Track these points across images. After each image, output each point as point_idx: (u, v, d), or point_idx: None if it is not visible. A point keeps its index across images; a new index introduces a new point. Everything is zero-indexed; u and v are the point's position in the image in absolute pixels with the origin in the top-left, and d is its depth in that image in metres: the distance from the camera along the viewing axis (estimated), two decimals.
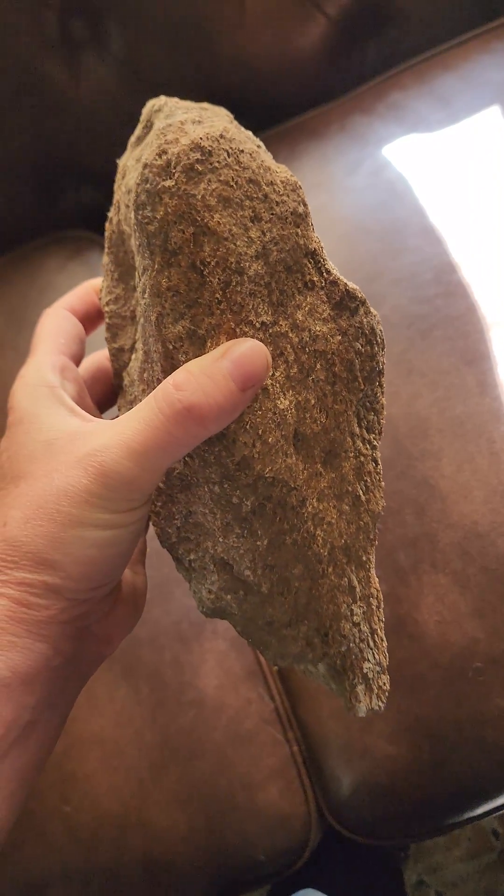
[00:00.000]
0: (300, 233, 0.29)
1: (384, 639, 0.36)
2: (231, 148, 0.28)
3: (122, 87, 0.77)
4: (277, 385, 0.29)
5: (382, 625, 0.36)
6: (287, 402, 0.30)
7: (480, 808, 0.55)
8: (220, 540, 0.31)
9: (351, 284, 0.32)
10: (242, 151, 0.28)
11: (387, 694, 0.35)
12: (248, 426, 0.28)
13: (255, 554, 0.31)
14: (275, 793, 0.58)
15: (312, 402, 0.31)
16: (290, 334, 0.30)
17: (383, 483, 0.35)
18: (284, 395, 0.30)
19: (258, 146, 0.31)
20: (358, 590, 0.34)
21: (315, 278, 0.30)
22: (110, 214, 0.38)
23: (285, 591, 0.32)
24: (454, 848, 0.99)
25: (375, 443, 0.35)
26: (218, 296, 0.27)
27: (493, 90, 0.74)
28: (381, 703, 0.34)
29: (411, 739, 0.55)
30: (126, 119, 0.82)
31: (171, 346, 0.28)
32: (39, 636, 0.28)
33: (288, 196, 0.29)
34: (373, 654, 0.35)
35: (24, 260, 0.81)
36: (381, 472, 0.35)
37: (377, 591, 0.36)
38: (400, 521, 0.59)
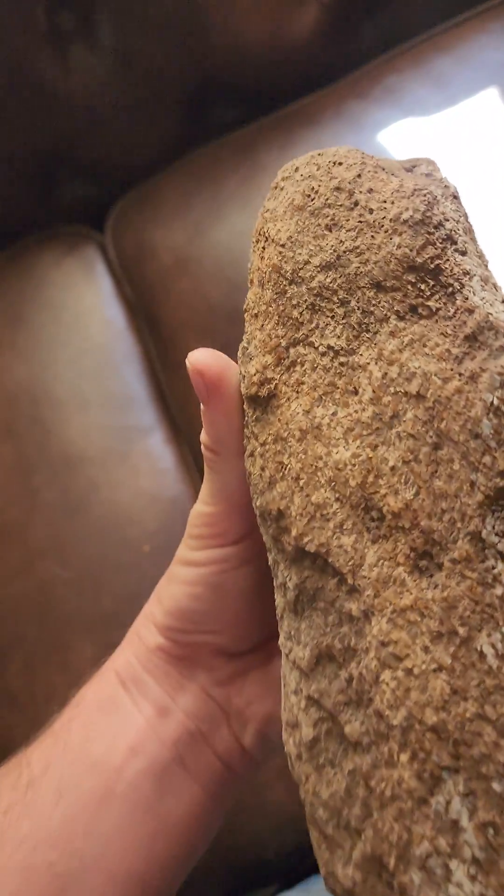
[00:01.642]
0: (405, 241, 0.24)
1: None
2: (323, 162, 0.25)
3: (114, 78, 0.76)
4: (338, 428, 0.23)
5: None
6: (350, 454, 0.23)
7: None
8: (279, 641, 0.25)
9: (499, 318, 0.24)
10: (339, 164, 0.25)
11: None
12: (286, 470, 0.23)
13: (301, 672, 0.23)
14: (283, 791, 0.58)
15: (392, 464, 0.22)
16: (372, 366, 0.23)
17: None
18: (347, 443, 0.23)
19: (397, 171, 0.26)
20: (465, 828, 0.20)
21: (431, 303, 0.23)
22: None
23: (331, 762, 0.22)
24: None
25: None
26: (271, 308, 0.24)
27: (490, 71, 0.73)
28: None
29: None
30: (119, 110, 0.81)
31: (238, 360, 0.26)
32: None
33: (396, 202, 0.24)
34: None
35: (19, 256, 0.80)
36: None
37: None
38: None
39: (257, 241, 0.26)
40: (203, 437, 0.27)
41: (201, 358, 0.25)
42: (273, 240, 0.25)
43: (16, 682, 0.62)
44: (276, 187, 0.26)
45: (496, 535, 0.22)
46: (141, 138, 0.81)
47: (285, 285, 0.24)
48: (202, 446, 0.27)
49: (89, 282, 0.78)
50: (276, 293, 0.24)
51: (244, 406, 0.25)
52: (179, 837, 0.29)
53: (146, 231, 0.78)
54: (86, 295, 0.77)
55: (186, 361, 0.25)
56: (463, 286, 0.24)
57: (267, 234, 0.25)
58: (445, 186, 0.26)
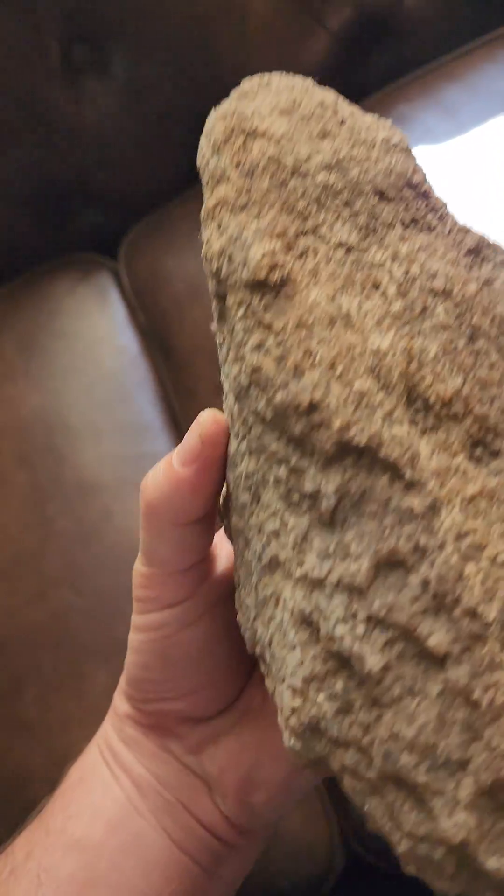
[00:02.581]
0: (399, 160, 0.24)
1: None
2: (297, 81, 0.24)
3: (126, 111, 0.77)
4: (369, 318, 0.21)
5: None
6: (388, 343, 0.21)
7: None
8: (298, 574, 0.21)
9: (493, 238, 0.24)
10: (315, 86, 0.24)
11: None
12: (316, 358, 0.20)
13: (353, 592, 0.19)
14: (298, 819, 0.57)
15: (434, 353, 0.21)
16: (390, 264, 0.22)
17: None
18: (382, 331, 0.21)
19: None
20: None
21: (429, 219, 0.24)
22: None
23: (410, 691, 0.19)
24: None
25: None
26: (271, 196, 0.22)
27: (499, 100, 0.73)
28: None
29: None
30: (131, 141, 0.82)
31: (214, 266, 0.23)
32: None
33: (379, 128, 0.24)
34: None
35: (32, 285, 0.81)
36: None
37: None
38: None
39: (228, 140, 0.23)
40: (151, 493, 0.25)
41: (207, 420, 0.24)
42: (263, 133, 0.23)
43: (31, 711, 0.62)
44: (243, 95, 0.25)
45: None
46: (153, 168, 0.82)
47: (286, 177, 0.23)
48: (142, 504, 0.25)
49: (103, 310, 0.78)
50: (276, 184, 0.22)
51: (238, 296, 0.22)
52: None
53: (159, 259, 0.78)
54: (99, 323, 0.77)
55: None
56: (448, 213, 0.24)
57: (252, 129, 0.23)
58: None
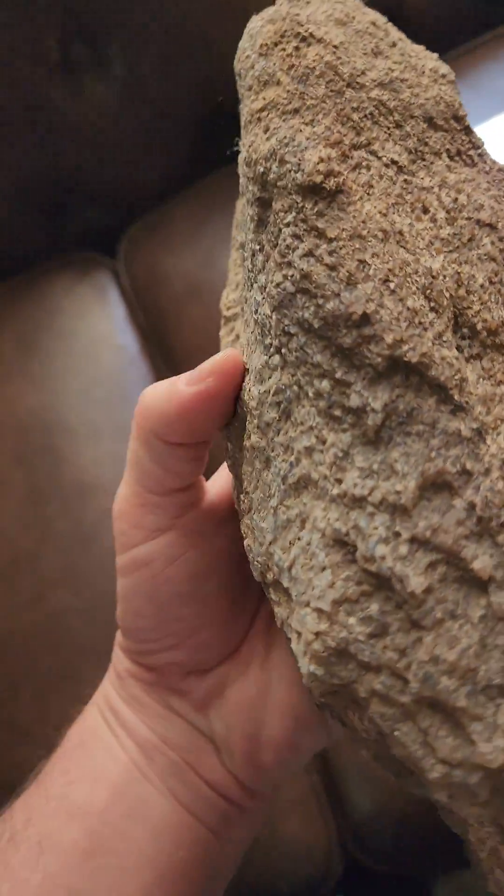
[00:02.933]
0: (447, 91, 0.24)
1: None
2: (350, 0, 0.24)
3: (126, 108, 0.77)
4: (420, 239, 0.21)
5: None
6: (438, 265, 0.21)
7: None
8: (335, 493, 0.20)
9: None
10: (367, 7, 0.24)
11: None
12: (370, 271, 0.20)
13: (397, 512, 0.19)
14: (296, 823, 0.57)
15: (481, 282, 0.21)
16: (438, 191, 0.22)
17: None
18: (432, 254, 0.21)
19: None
20: None
21: (473, 155, 0.24)
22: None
23: (452, 614, 0.19)
24: None
25: None
26: (327, 103, 0.21)
27: (501, 98, 0.73)
28: None
29: None
30: (130, 139, 0.82)
31: (259, 168, 0.22)
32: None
33: (428, 57, 0.24)
34: None
35: (31, 283, 0.80)
36: None
37: None
38: None
39: (278, 43, 0.23)
40: (147, 403, 0.24)
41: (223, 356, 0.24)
42: (321, 39, 0.22)
43: (28, 713, 0.61)
44: (294, 2, 0.24)
45: None
46: (152, 166, 0.82)
47: (343, 86, 0.22)
48: (136, 413, 0.25)
49: (102, 309, 0.78)
50: (332, 91, 0.22)
51: (288, 200, 0.21)
52: (183, 885, 0.26)
53: (158, 258, 0.78)
54: (98, 322, 0.77)
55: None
56: (486, 153, 0.24)
57: (309, 34, 0.23)
58: None
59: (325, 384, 0.20)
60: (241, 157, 0.24)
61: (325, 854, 0.57)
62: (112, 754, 0.27)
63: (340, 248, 0.20)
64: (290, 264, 0.21)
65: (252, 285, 0.23)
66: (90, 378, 0.73)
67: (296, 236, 0.21)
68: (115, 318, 0.77)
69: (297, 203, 0.21)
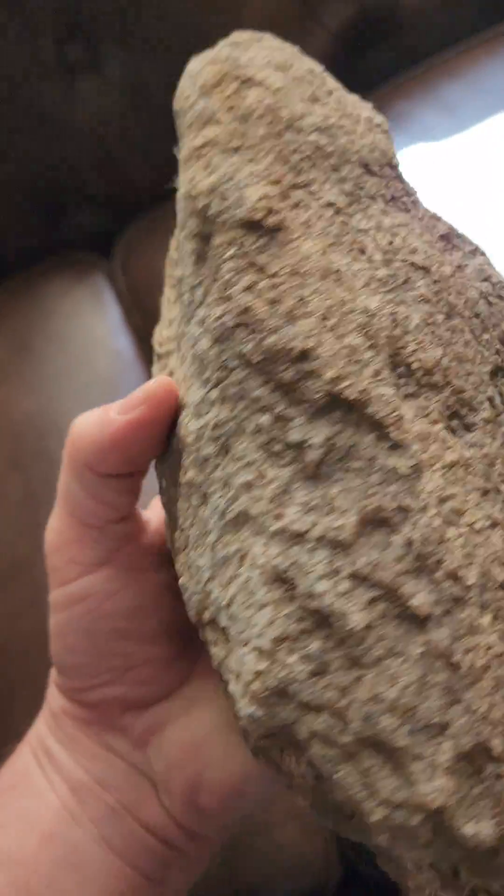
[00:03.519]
0: (381, 139, 0.24)
1: None
2: (287, 46, 0.25)
3: (121, 109, 0.76)
4: (357, 279, 0.21)
5: None
6: (375, 305, 0.21)
7: None
8: (275, 528, 0.19)
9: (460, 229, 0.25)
10: (304, 55, 0.25)
11: None
12: (308, 307, 0.20)
13: (337, 548, 0.19)
14: (294, 832, 0.57)
15: (416, 322, 0.21)
16: (374, 233, 0.23)
17: None
18: (369, 294, 0.21)
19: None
20: None
21: (406, 202, 0.24)
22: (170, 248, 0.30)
23: (392, 651, 0.18)
24: None
25: None
26: (267, 144, 0.22)
27: (500, 97, 0.73)
28: None
29: None
30: (126, 140, 0.81)
31: (199, 203, 0.22)
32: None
33: (362, 107, 0.25)
34: None
35: (27, 285, 0.80)
36: None
37: None
38: None
39: (219, 84, 0.23)
40: (77, 432, 0.24)
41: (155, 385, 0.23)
42: (261, 83, 0.23)
43: (24, 719, 0.61)
44: (235, 45, 0.25)
45: (502, 403, 0.22)
46: (148, 167, 0.81)
47: (282, 129, 0.22)
48: (67, 442, 0.24)
49: (98, 311, 0.77)
50: (272, 133, 0.22)
51: (228, 235, 0.21)
52: None
53: (154, 260, 0.77)
54: (94, 325, 0.77)
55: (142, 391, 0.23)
56: (419, 200, 0.25)
57: (249, 77, 0.23)
58: None
59: (265, 419, 0.20)
60: (179, 194, 0.24)
61: (323, 862, 0.57)
62: (43, 799, 0.25)
63: (281, 284, 0.20)
64: (229, 298, 0.21)
65: (190, 320, 0.23)
66: (85, 381, 0.72)
67: (236, 270, 0.21)
68: (111, 321, 0.77)
69: (238, 238, 0.21)
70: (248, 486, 0.20)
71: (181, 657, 0.27)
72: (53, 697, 0.27)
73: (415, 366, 0.21)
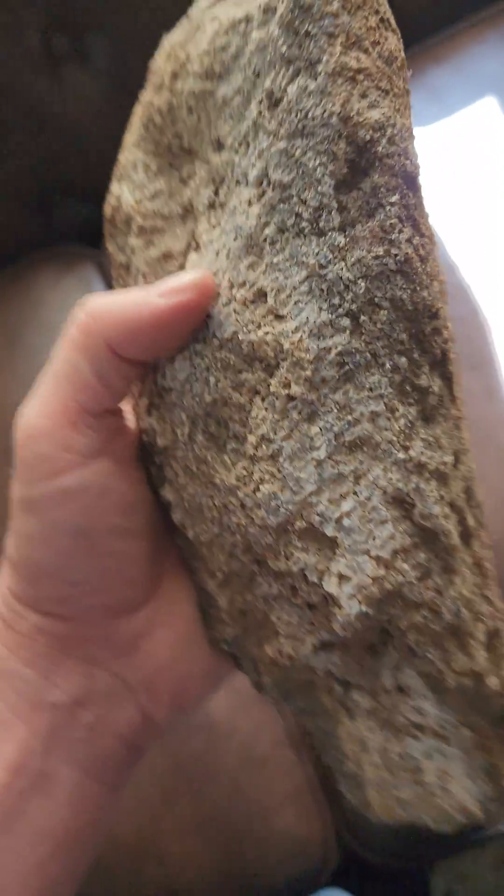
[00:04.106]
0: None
1: None
2: None
3: (109, 101, 0.76)
4: None
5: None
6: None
7: None
8: (401, 457, 0.22)
9: None
10: None
11: None
12: (440, 275, 0.23)
13: (440, 478, 0.23)
14: (291, 817, 0.57)
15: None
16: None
17: None
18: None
19: None
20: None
21: None
22: (143, 98, 0.30)
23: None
24: (482, 856, 0.97)
25: None
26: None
27: (486, 81, 0.72)
28: None
29: None
30: (114, 132, 0.81)
31: (352, 118, 0.21)
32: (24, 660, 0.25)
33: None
34: None
35: (16, 277, 0.80)
36: None
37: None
38: None
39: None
40: (102, 307, 0.22)
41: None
42: (396, 31, 0.23)
43: None
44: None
45: None
46: None
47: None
48: (84, 315, 0.23)
49: None
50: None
51: (395, 181, 0.23)
52: (77, 851, 0.25)
53: None
54: None
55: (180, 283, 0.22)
56: None
57: (387, 20, 0.23)
58: None
59: (402, 360, 0.22)
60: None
61: (320, 846, 0.57)
62: (10, 731, 0.24)
63: (428, 244, 0.22)
64: (392, 242, 0.22)
65: (299, 234, 0.22)
66: None
67: (400, 219, 0.22)
68: None
69: (399, 187, 0.22)
70: (375, 415, 0.22)
71: (158, 555, 0.26)
72: (16, 620, 0.25)
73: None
